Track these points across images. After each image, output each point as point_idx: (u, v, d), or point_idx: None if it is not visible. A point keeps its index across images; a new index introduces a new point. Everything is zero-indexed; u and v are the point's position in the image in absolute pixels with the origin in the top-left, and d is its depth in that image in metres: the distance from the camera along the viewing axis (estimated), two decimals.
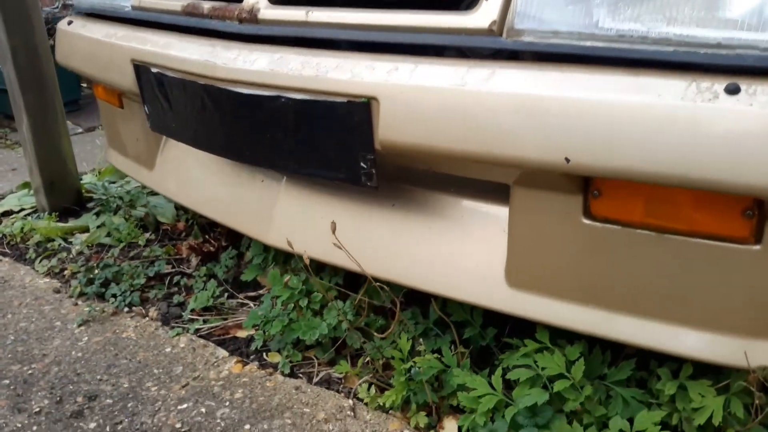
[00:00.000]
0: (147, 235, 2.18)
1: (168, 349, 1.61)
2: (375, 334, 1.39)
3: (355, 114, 1.11)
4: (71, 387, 1.49)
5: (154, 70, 1.46)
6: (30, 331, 1.73)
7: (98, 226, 2.24)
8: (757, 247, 0.91)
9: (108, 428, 1.36)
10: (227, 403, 1.40)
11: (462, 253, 1.19)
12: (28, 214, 2.44)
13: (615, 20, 0.91)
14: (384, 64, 1.08)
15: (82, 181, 2.59)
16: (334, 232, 1.24)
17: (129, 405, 1.43)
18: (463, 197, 1.21)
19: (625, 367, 1.14)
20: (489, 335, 1.33)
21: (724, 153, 0.82)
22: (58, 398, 1.46)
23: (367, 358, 1.39)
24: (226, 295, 1.80)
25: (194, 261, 1.98)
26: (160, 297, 1.83)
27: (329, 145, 1.17)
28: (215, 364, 1.54)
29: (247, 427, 1.33)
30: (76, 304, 1.84)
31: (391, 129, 1.08)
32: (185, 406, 1.41)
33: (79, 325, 1.73)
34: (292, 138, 1.22)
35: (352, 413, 1.34)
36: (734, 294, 0.95)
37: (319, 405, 1.38)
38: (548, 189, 1.04)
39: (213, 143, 1.39)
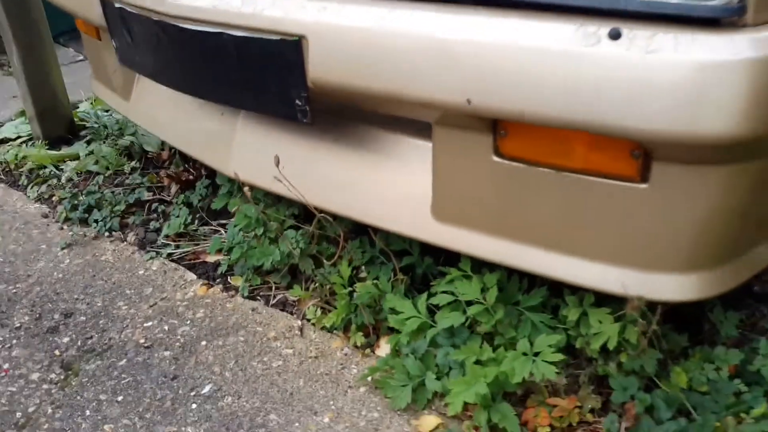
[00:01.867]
0: (133, 163, 2.27)
1: (141, 272, 1.73)
2: (325, 261, 1.48)
3: (288, 52, 1.16)
4: (50, 305, 1.62)
5: (116, 4, 1.51)
6: (17, 253, 1.85)
7: (87, 154, 2.33)
8: (645, 185, 0.97)
9: (79, 342, 1.49)
10: (188, 322, 1.52)
11: (394, 187, 1.26)
12: (24, 142, 2.54)
13: None
14: (314, 3, 1.13)
15: (78, 109, 2.67)
16: (277, 165, 1.32)
17: (100, 322, 1.55)
18: (395, 133, 1.27)
19: (536, 294, 1.22)
20: (425, 263, 1.42)
21: (606, 97, 0.87)
22: (37, 315, 1.59)
23: (317, 284, 1.49)
24: (199, 222, 1.89)
25: (174, 189, 2.08)
26: (139, 223, 1.93)
27: (267, 81, 1.23)
28: (182, 286, 1.65)
29: (204, 343, 1.45)
30: (62, 229, 1.96)
31: (319, 68, 1.13)
32: (150, 323, 1.53)
33: (63, 248, 1.85)
34: (235, 74, 1.27)
35: (300, 332, 1.45)
36: (625, 229, 1.02)
37: (271, 325, 1.49)
38: (463, 128, 1.09)
39: (170, 78, 1.45)
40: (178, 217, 1.86)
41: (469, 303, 1.21)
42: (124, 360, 1.42)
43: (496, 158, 1.08)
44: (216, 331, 1.48)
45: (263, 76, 1.23)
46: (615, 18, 0.88)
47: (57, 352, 1.47)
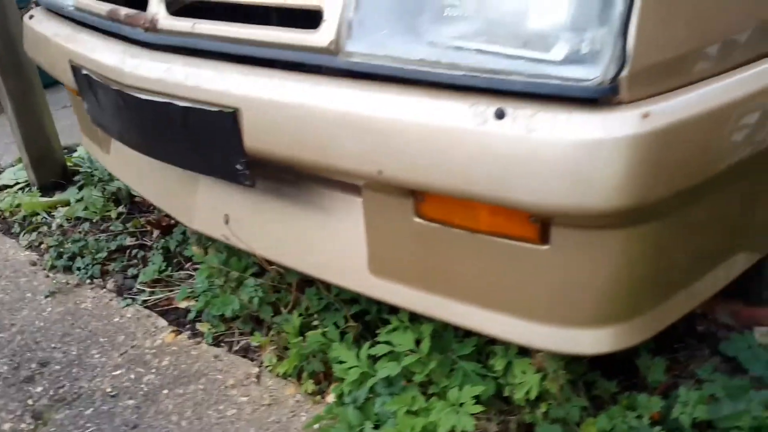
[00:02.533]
0: (120, 208, 2.37)
1: (116, 319, 1.81)
2: (282, 309, 1.55)
3: (226, 122, 1.23)
4: (29, 354, 1.71)
5: (83, 71, 1.61)
6: (4, 302, 1.95)
7: (77, 200, 2.44)
8: (546, 247, 1.03)
9: (51, 391, 1.57)
10: (154, 370, 1.59)
11: (334, 242, 1.33)
12: (21, 188, 2.66)
13: (416, 49, 1.00)
14: (247, 78, 1.20)
15: (74, 155, 2.79)
16: (226, 223, 1.39)
17: (73, 371, 1.63)
18: (333, 191, 1.33)
19: (469, 342, 1.27)
20: (374, 311, 1.48)
21: (496, 173, 0.93)
22: (16, 364, 1.68)
23: (275, 331, 1.56)
24: (175, 267, 1.97)
25: (155, 234, 2.17)
26: (118, 269, 2.02)
27: (211, 148, 1.31)
28: (153, 333, 1.73)
29: (165, 391, 1.52)
30: (48, 276, 2.05)
31: (253, 138, 1.20)
32: (119, 372, 1.61)
33: (46, 297, 1.94)
34: (184, 140, 1.35)
35: (257, 380, 1.52)
36: (533, 286, 1.07)
37: (231, 372, 1.55)
38: (387, 192, 1.15)
39: (130, 140, 1.54)
40: (153, 264, 1.94)
41: (407, 353, 1.27)
42: (91, 409, 1.50)
43: (417, 219, 1.14)
44: (178, 379, 1.55)
45: (207, 142, 1.31)
46: (507, 97, 0.94)
47: (30, 402, 1.55)
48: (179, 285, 1.90)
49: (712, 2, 0.91)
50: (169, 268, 1.95)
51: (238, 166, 1.28)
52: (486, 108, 0.94)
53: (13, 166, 2.91)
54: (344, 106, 1.06)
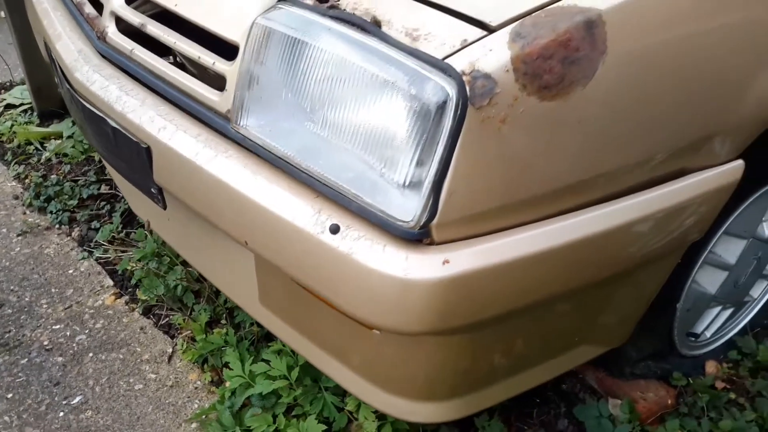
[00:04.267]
0: None
1: (71, 271, 2.02)
2: (202, 299, 1.73)
3: (142, 153, 1.36)
4: None
5: (51, 53, 1.73)
6: None
7: (68, 136, 2.61)
8: (377, 331, 1.16)
9: None
10: (87, 331, 1.81)
11: (234, 269, 1.48)
12: (24, 111, 2.84)
13: (285, 144, 1.11)
14: (161, 119, 1.32)
15: None
16: (148, 227, 1.55)
17: (21, 317, 1.85)
18: None
19: None
20: None
21: (326, 278, 1.05)
22: None
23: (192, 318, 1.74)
24: (135, 226, 2.15)
25: None
26: (85, 219, 2.21)
27: (134, 167, 1.44)
28: (98, 292, 1.94)
29: (91, 354, 1.74)
30: (25, 213, 2.26)
31: (160, 175, 1.34)
32: (58, 327, 1.82)
33: (18, 235, 2.15)
34: (116, 153, 1.49)
35: (168, 360, 1.72)
36: (371, 357, 1.22)
37: (150, 346, 1.76)
38: None
39: (84, 133, 1.68)
40: (112, 223, 2.12)
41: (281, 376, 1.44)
42: (26, 359, 1.73)
43: None
44: (104, 345, 1.76)
45: (132, 162, 1.44)
46: (350, 213, 1.05)
47: None
48: (136, 245, 2.08)
49: (521, 169, 0.98)
50: (128, 227, 2.13)
51: (153, 190, 1.42)
52: (327, 218, 1.05)
53: (23, 84, 3.08)
54: (226, 175, 1.18)
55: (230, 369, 1.53)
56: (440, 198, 0.96)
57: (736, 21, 1.11)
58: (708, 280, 1.60)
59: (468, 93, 0.92)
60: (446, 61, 0.94)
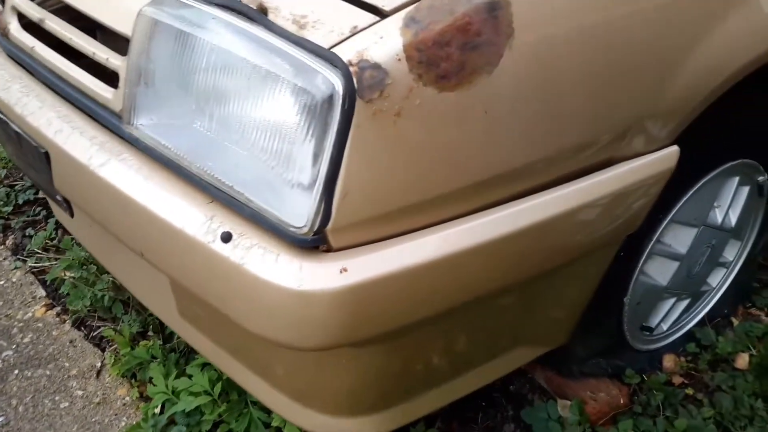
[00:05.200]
0: None
1: (2, 282, 1.92)
2: (132, 309, 1.65)
3: (42, 158, 1.27)
4: None
5: None
6: None
7: None
8: None
9: None
10: (14, 346, 1.72)
11: (152, 278, 1.39)
12: None
13: (178, 142, 1.02)
14: (57, 122, 1.22)
15: None
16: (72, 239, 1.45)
17: None
18: None
19: None
20: None
21: (219, 291, 0.97)
22: None
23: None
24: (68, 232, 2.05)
25: None
26: (20, 226, 2.11)
27: (39, 173, 1.35)
28: (29, 303, 1.84)
29: (16, 372, 1.65)
30: None
31: (59, 182, 1.24)
32: None
33: None
34: (25, 160, 1.40)
35: (97, 375, 1.63)
36: (288, 372, 1.14)
37: (78, 361, 1.67)
38: None
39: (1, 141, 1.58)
40: (46, 230, 2.03)
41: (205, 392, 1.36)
42: None
43: None
44: (31, 360, 1.67)
45: (36, 168, 1.35)
46: (243, 219, 0.96)
47: None
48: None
49: (423, 166, 0.90)
50: (64, 235, 2.03)
51: (58, 197, 1.33)
52: (219, 226, 0.96)
53: None
54: (118, 181, 1.09)
55: (154, 385, 1.45)
56: (333, 200, 0.87)
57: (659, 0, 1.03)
58: (658, 271, 1.52)
59: (356, 85, 0.83)
60: (333, 50, 0.85)
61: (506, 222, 0.98)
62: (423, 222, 0.95)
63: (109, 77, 1.14)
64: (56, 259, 1.97)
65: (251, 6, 0.93)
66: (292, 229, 0.90)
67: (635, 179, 1.10)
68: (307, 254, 0.91)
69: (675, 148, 1.15)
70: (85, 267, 1.74)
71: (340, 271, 0.89)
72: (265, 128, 0.90)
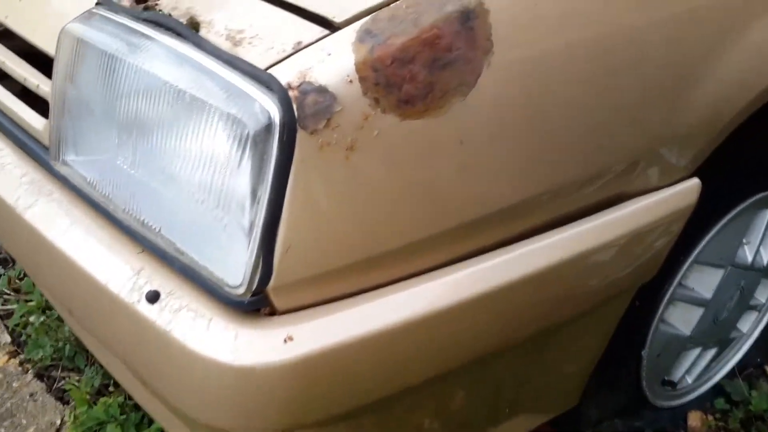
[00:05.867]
0: None
1: None
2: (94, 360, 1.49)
3: None
4: None
5: None
6: None
7: None
8: None
9: None
10: None
11: None
12: None
13: (105, 180, 0.87)
14: None
15: None
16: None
17: None
18: None
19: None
20: None
21: (144, 359, 0.82)
22: None
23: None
24: None
25: None
26: None
27: None
28: None
29: None
30: None
31: None
32: None
33: None
34: None
35: None
36: None
37: (37, 418, 1.51)
38: None
39: None
40: (14, 269, 1.89)
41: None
42: None
43: None
44: None
45: None
46: (176, 275, 0.81)
47: None
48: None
49: (386, 210, 0.74)
50: (25, 275, 1.89)
51: None
52: (146, 282, 0.81)
53: None
54: (42, 226, 0.94)
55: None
56: (275, 252, 0.71)
57: (675, 10, 0.86)
58: (680, 318, 1.34)
59: (296, 112, 0.68)
60: (270, 71, 0.70)
61: (493, 274, 0.81)
62: (390, 276, 0.78)
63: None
64: (27, 302, 1.83)
65: (181, 21, 0.78)
66: (227, 288, 0.74)
67: (649, 218, 0.93)
68: (245, 319, 0.75)
69: (695, 181, 0.97)
70: (46, 313, 1.60)
71: (285, 341, 0.72)
72: (194, 166, 0.74)
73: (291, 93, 0.68)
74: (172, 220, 0.78)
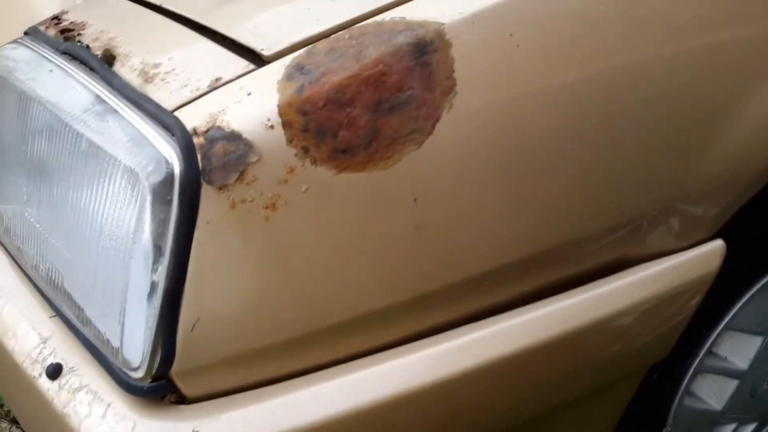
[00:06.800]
0: None
1: None
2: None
3: None
4: None
5: None
6: None
7: None
8: None
9: None
10: None
11: None
12: None
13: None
14: None
15: None
16: None
17: None
18: None
19: None
20: None
21: None
22: None
23: None
24: None
25: None
26: None
27: None
28: None
29: None
30: None
31: None
32: None
33: None
34: None
35: None
36: None
37: None
38: None
39: None
40: None
41: None
42: None
43: None
44: None
45: None
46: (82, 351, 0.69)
47: None
48: None
49: (317, 282, 0.61)
50: None
51: None
52: (51, 353, 0.70)
53: None
54: None
55: None
56: (177, 330, 0.59)
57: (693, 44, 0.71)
58: (710, 391, 1.16)
59: (200, 163, 0.56)
60: (176, 113, 0.58)
61: (455, 357, 0.67)
62: (328, 357, 0.65)
63: None
64: None
65: (96, 54, 0.68)
66: (126, 371, 0.62)
67: (659, 288, 0.77)
68: (148, 407, 0.62)
69: (719, 243, 0.81)
70: None
71: None
72: (93, 224, 0.63)
73: (196, 140, 0.56)
74: (76, 284, 0.67)
